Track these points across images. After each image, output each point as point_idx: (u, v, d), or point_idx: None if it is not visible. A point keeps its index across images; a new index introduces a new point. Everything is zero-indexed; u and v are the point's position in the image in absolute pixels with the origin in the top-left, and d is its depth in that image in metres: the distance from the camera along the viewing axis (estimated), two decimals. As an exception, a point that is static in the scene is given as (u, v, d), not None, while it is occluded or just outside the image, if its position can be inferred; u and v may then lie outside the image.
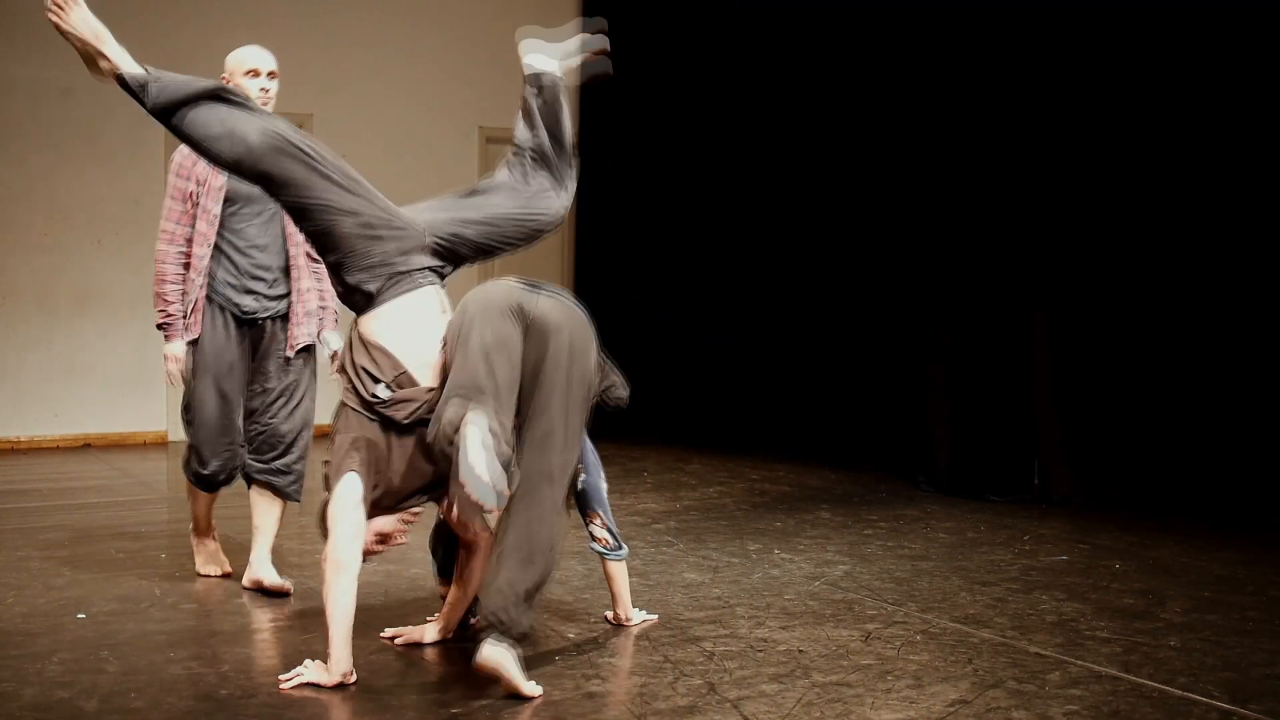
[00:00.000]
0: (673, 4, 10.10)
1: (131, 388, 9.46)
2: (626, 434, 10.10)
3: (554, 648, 4.14)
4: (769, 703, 3.59)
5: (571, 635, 4.29)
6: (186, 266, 4.85)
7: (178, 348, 4.87)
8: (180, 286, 4.86)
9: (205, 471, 4.94)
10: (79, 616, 4.47)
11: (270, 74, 4.87)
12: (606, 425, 10.55)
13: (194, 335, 4.85)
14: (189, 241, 4.84)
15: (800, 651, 4.11)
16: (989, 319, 7.43)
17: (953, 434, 7.53)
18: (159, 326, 4.91)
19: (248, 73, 4.84)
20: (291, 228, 4.74)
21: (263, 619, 4.53)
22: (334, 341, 4.97)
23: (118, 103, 9.46)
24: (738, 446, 9.22)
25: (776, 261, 9.21)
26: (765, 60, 9.33)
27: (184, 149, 4.78)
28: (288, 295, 4.93)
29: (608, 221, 10.68)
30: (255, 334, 4.92)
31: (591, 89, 10.72)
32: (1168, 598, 4.89)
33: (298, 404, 4.98)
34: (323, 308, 5.01)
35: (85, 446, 9.33)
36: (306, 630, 4.31)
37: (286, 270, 4.92)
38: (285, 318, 4.93)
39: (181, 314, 4.86)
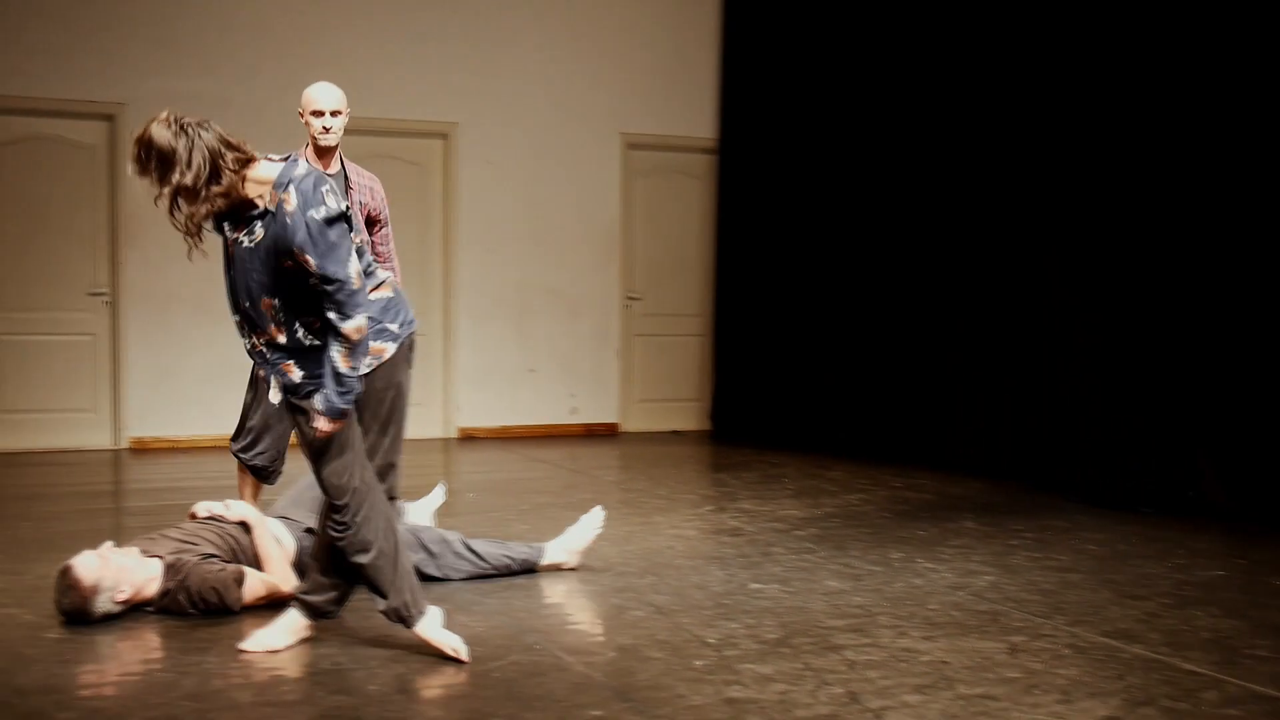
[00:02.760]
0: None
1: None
2: (767, 440, 10.10)
3: (694, 653, 4.15)
4: (912, 714, 3.55)
5: (712, 641, 4.29)
6: None
7: None
8: None
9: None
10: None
11: (333, 113, 5.51)
12: (748, 429, 10.46)
13: None
14: None
15: (944, 662, 4.05)
16: (1145, 325, 7.23)
17: (1104, 443, 7.35)
18: None
19: (313, 112, 5.50)
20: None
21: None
22: None
23: (272, 113, 9.83)
24: (879, 453, 9.12)
25: (923, 268, 9.08)
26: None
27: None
28: None
29: (749, 225, 10.68)
30: None
31: (734, 90, 10.78)
32: (1332, 616, 4.71)
33: None
34: None
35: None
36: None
37: None
38: None
39: None
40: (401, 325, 4.03)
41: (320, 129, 5.50)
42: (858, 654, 4.14)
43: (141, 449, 9.62)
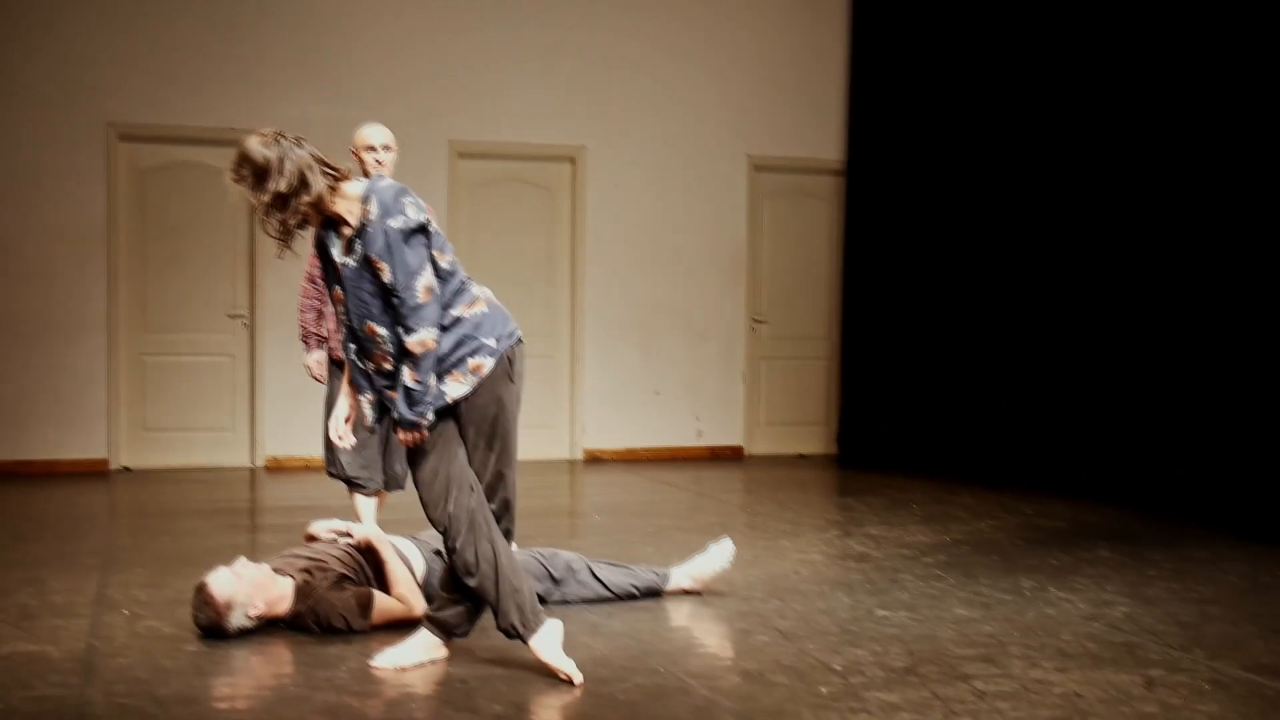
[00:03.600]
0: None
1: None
2: (894, 465, 9.97)
3: (819, 679, 4.11)
4: (1044, 747, 3.47)
5: (838, 667, 4.24)
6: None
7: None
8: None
9: None
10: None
11: (385, 147, 6.04)
12: (875, 454, 10.35)
13: None
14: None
15: (1078, 695, 3.95)
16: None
17: (1246, 472, 7.11)
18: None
19: (366, 148, 6.02)
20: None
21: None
22: None
23: (404, 139, 10.04)
24: (1010, 479, 8.94)
25: (1055, 292, 8.88)
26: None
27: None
28: None
29: (875, 247, 10.58)
30: None
31: (861, 112, 10.71)
32: None
33: None
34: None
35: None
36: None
37: None
38: None
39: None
40: (499, 340, 4.07)
41: (374, 162, 6.00)
42: (987, 684, 4.05)
43: (277, 468, 9.86)
